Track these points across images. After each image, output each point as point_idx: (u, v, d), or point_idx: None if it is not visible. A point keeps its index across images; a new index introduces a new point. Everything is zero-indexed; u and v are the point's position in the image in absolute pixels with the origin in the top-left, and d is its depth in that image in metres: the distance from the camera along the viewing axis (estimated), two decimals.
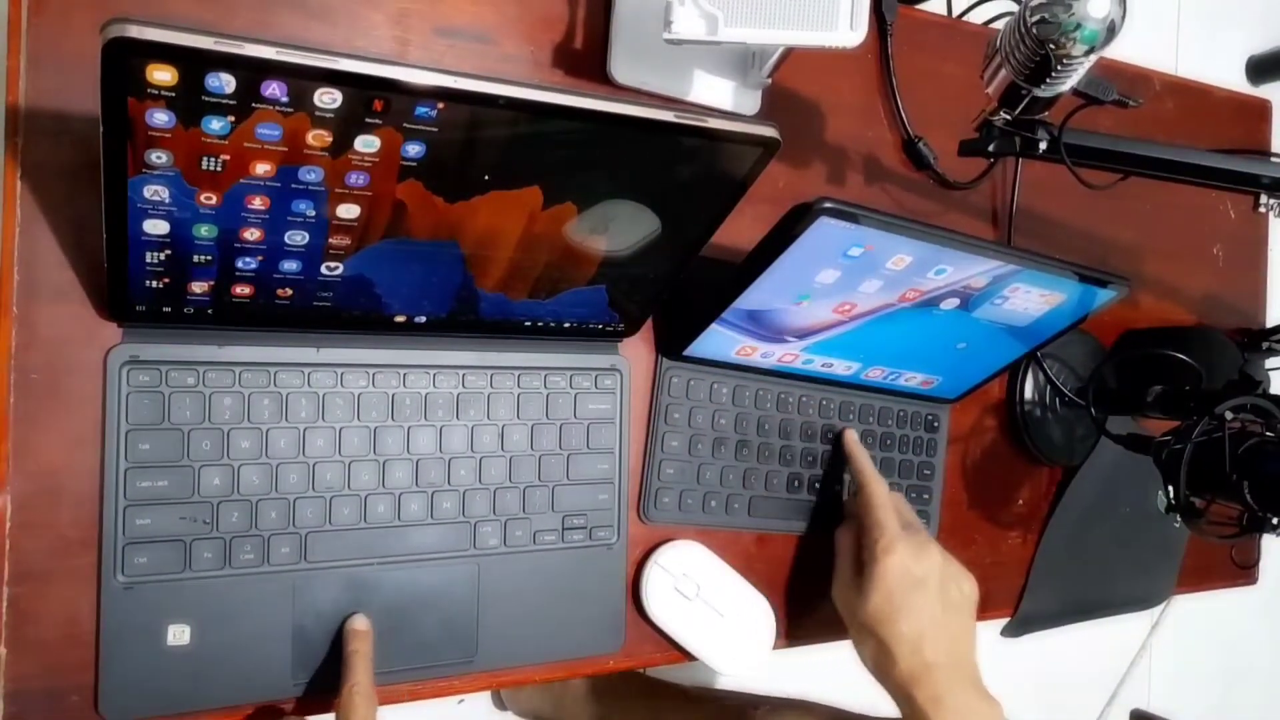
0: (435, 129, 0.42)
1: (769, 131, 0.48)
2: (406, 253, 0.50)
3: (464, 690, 0.61)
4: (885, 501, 0.66)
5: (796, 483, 0.72)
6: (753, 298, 0.60)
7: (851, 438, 0.72)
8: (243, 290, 0.50)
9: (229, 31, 0.36)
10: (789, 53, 0.64)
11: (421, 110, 0.41)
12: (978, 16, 0.85)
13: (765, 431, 0.71)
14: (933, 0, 0.85)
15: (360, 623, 0.56)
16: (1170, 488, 0.68)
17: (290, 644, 0.55)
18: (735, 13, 0.55)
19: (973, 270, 0.62)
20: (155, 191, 0.42)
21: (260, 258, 0.48)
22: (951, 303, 0.65)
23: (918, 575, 0.62)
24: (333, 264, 0.50)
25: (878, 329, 0.66)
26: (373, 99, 0.40)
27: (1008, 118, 0.59)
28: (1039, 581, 0.84)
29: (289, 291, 0.51)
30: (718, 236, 0.55)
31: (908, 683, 0.60)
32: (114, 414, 0.52)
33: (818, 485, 0.73)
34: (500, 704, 1.32)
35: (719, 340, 0.65)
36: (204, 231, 0.45)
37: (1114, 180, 0.69)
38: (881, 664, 0.62)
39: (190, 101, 0.38)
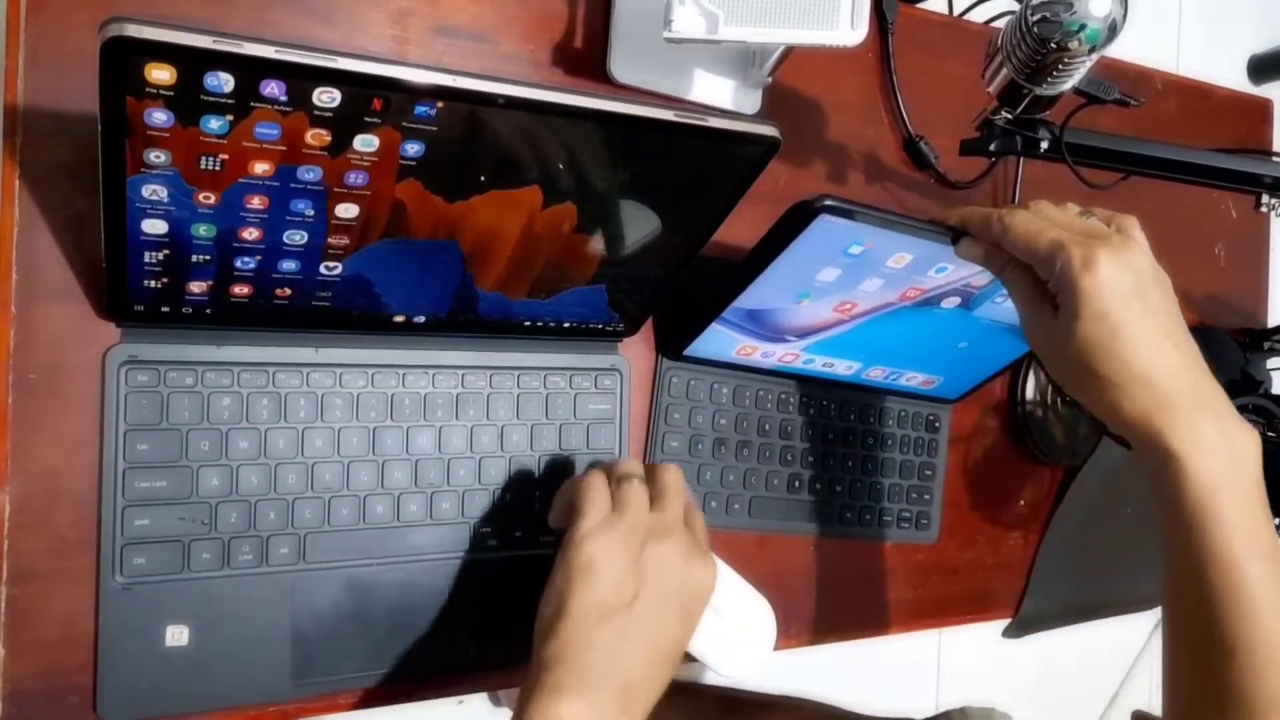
0: (434, 128, 0.42)
1: (769, 131, 0.48)
2: (405, 252, 0.50)
3: (463, 691, 0.61)
4: (1049, 216, 0.52)
5: (797, 483, 0.71)
6: (753, 297, 0.60)
7: (963, 215, 0.56)
8: (241, 290, 0.50)
9: (228, 31, 0.36)
10: (789, 52, 0.64)
11: (421, 109, 0.41)
12: (979, 15, 0.85)
13: (766, 432, 0.70)
14: None
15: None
16: None
17: (289, 644, 0.55)
18: (735, 11, 0.54)
19: (974, 269, 0.62)
20: (154, 191, 0.42)
21: (259, 257, 0.48)
22: (952, 301, 0.65)
23: (1130, 285, 0.49)
24: (331, 264, 0.50)
25: (878, 328, 0.66)
26: (372, 98, 0.40)
27: (1009, 117, 0.59)
28: (1040, 582, 0.84)
29: (288, 291, 0.51)
30: (718, 236, 0.55)
31: (1144, 421, 0.49)
32: (112, 414, 0.52)
33: (819, 486, 0.72)
34: (498, 702, 1.32)
35: (719, 340, 0.65)
36: (202, 231, 0.45)
37: (1115, 180, 0.69)
38: (1110, 404, 0.51)
39: (189, 101, 0.38)
